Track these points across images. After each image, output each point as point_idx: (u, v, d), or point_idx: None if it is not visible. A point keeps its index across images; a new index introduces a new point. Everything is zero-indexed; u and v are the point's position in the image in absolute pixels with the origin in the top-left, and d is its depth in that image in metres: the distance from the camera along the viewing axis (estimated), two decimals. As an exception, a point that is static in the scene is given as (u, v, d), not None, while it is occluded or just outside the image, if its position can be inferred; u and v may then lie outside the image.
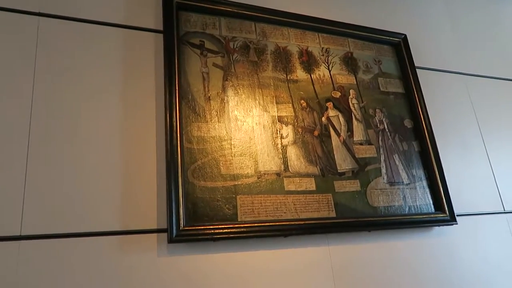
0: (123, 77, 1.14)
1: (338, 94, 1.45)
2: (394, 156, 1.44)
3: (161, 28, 1.23)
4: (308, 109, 1.36)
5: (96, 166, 1.02)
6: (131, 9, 1.24)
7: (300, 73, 1.41)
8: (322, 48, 1.51)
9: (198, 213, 1.06)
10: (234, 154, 1.18)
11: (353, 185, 1.30)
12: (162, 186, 1.06)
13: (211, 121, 1.19)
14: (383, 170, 1.39)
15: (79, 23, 1.15)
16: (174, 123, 1.10)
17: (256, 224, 1.10)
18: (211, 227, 1.04)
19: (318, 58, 1.48)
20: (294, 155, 1.26)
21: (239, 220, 1.09)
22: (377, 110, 1.50)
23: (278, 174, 1.21)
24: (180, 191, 1.04)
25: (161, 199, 1.05)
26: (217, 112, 1.21)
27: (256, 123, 1.26)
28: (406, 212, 1.35)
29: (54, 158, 0.99)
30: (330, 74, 1.48)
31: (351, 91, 1.48)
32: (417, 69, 1.63)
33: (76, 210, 0.97)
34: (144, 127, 1.12)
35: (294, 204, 1.19)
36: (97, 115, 1.07)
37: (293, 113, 1.33)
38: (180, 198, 1.03)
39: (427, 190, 1.43)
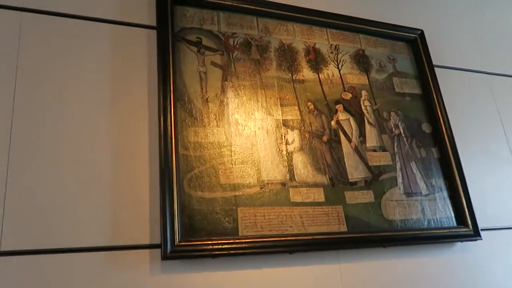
0: (113, 77, 1.15)
1: (348, 96, 1.46)
2: (411, 164, 1.44)
3: (154, 23, 1.24)
4: (315, 112, 1.37)
5: (82, 175, 1.03)
6: (121, 3, 1.24)
7: (306, 73, 1.42)
8: (331, 45, 1.52)
9: (195, 227, 1.06)
10: (235, 162, 1.18)
11: (366, 196, 1.30)
12: (155, 197, 1.06)
13: (209, 125, 1.19)
14: (399, 180, 1.39)
15: (64, 18, 1.16)
16: (169, 128, 1.10)
17: (258, 239, 1.10)
18: (209, 242, 1.04)
19: (327, 56, 1.49)
20: (301, 163, 1.27)
21: (240, 234, 1.09)
22: (392, 113, 1.50)
23: (283, 184, 1.21)
24: (175, 202, 1.04)
25: (154, 212, 1.05)
26: (216, 116, 1.22)
27: (258, 128, 1.26)
28: (425, 226, 1.35)
29: (37, 167, 0.99)
30: (340, 74, 1.48)
31: (363, 92, 1.49)
32: (435, 68, 1.63)
33: (60, 224, 0.97)
34: (136, 132, 1.12)
35: (300, 217, 1.18)
36: (84, 118, 1.08)
37: (300, 117, 1.33)
38: (175, 210, 1.03)
39: (448, 201, 1.43)
